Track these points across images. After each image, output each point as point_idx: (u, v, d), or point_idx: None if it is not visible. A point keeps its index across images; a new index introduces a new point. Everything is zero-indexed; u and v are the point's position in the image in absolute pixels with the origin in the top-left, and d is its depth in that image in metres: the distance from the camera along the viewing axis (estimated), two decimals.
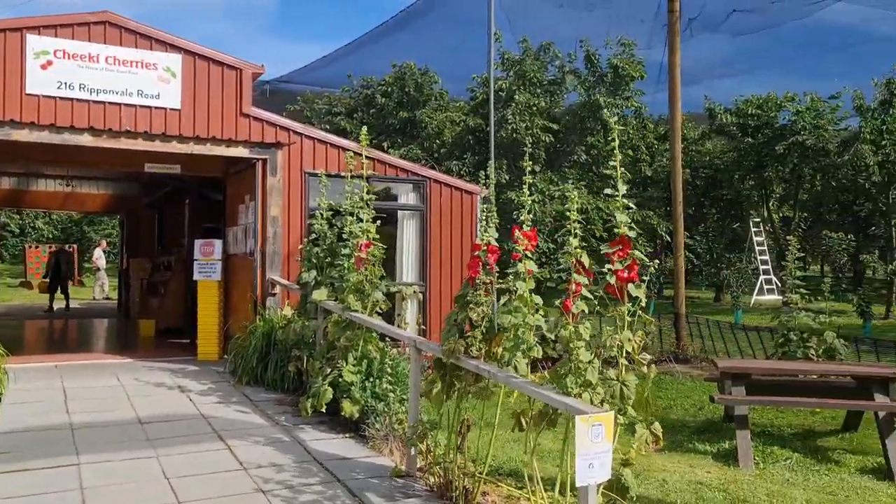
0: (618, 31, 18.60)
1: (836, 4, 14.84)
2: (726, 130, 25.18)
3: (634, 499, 4.77)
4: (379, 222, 7.49)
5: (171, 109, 9.74)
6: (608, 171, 5.02)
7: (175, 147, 9.70)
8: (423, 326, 10.63)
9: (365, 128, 7.92)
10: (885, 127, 20.59)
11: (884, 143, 20.55)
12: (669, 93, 13.79)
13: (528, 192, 5.30)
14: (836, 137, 23.04)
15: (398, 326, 9.78)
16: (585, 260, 4.74)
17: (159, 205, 16.58)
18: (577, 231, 4.72)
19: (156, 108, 9.67)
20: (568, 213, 4.70)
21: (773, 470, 6.70)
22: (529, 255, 5.12)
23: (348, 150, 9.79)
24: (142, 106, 9.57)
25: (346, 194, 7.81)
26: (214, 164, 11.17)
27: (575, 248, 4.67)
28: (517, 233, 5.06)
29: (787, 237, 11.36)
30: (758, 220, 26.78)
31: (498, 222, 5.63)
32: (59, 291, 19.43)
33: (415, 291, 11.28)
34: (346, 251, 7.52)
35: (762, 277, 24.82)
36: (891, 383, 7.07)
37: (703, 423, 8.54)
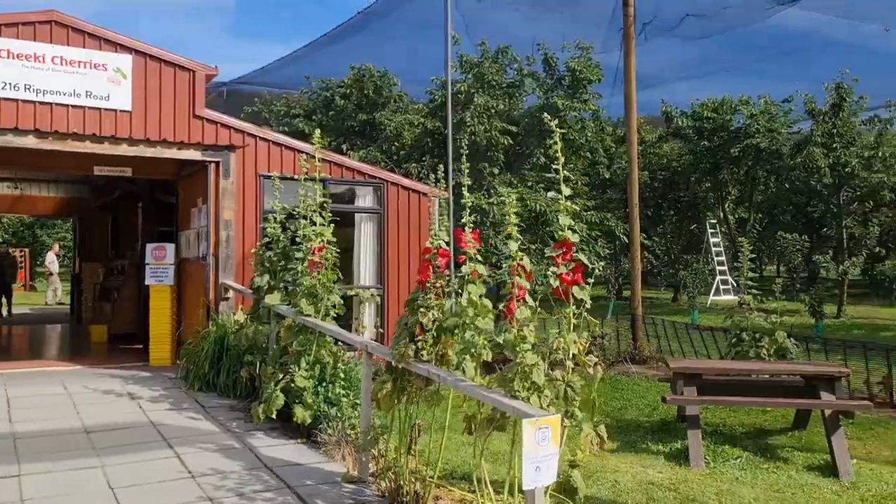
0: (574, 35, 18.74)
1: (788, 10, 15.15)
2: (683, 133, 25.53)
3: (583, 500, 4.79)
4: (333, 225, 7.43)
5: (122, 111, 9.56)
6: (549, 175, 5.07)
7: (125, 149, 9.52)
8: (380, 330, 10.58)
9: (318, 130, 7.86)
10: (835, 130, 21.04)
11: (834, 145, 21.00)
12: (625, 96, 13.93)
13: (467, 194, 5.31)
14: (788, 140, 23.48)
15: (355, 330, 9.70)
16: (527, 263, 4.76)
17: (112, 208, 16.28)
18: (517, 235, 4.74)
19: (105, 109, 9.48)
20: (507, 217, 4.71)
21: (724, 469, 6.78)
22: (480, 258, 5.12)
23: (304, 152, 9.71)
24: (90, 107, 9.37)
25: (300, 197, 7.74)
26: (167, 166, 10.99)
27: (515, 251, 4.67)
28: (467, 235, 5.06)
29: (740, 238, 11.54)
30: (714, 221, 27.21)
31: (450, 226, 5.63)
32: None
33: (372, 294, 11.19)
34: (300, 255, 7.45)
35: (718, 278, 25.22)
36: (836, 382, 7.21)
37: (657, 423, 8.62)
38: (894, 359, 9.61)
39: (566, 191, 4.82)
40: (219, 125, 10.17)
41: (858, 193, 23.22)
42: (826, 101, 21.41)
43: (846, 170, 21.17)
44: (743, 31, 17.00)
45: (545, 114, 5.93)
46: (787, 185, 25.13)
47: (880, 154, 21.84)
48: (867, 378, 9.66)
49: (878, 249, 26.66)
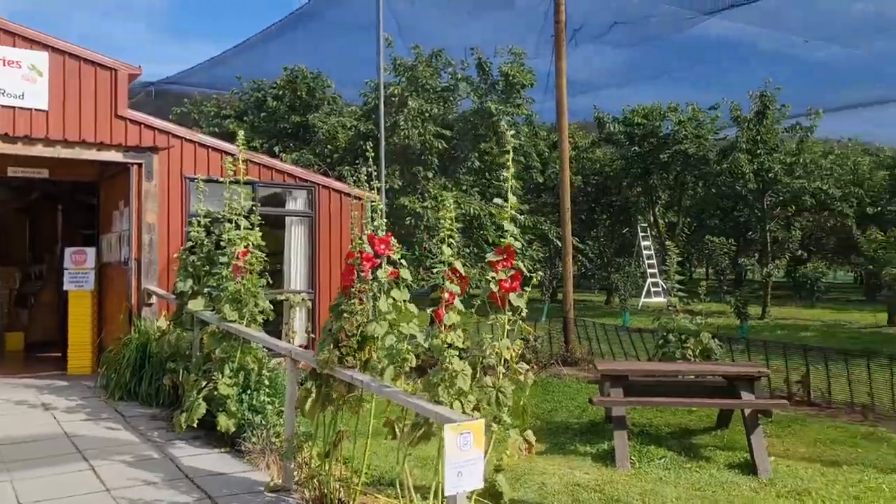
0: (506, 41, 18.88)
1: (712, 20, 15.58)
2: (614, 139, 26.01)
3: (508, 503, 4.78)
4: (258, 229, 7.28)
5: (37, 110, 9.20)
6: (498, 182, 5.06)
7: (40, 150, 9.14)
8: (312, 335, 10.43)
9: (242, 132, 7.70)
10: (759, 137, 21.75)
11: (759, 152, 21.70)
12: (557, 102, 14.08)
13: (381, 197, 5.26)
14: (715, 146, 24.15)
15: (286, 335, 9.56)
16: (460, 267, 4.73)
17: (30, 210, 15.62)
18: (450, 239, 4.70)
19: (20, 108, 9.12)
20: (442, 221, 4.67)
21: (649, 469, 6.88)
22: (405, 262, 5.07)
23: (233, 154, 9.51)
24: (2, 106, 9.00)
25: (225, 200, 7.57)
26: (88, 168, 10.63)
27: (448, 256, 4.64)
28: (386, 238, 5.00)
29: (668, 242, 11.82)
30: (645, 225, 27.77)
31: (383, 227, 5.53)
32: None
33: (303, 299, 11.04)
34: (224, 259, 7.28)
35: (649, 280, 25.75)
36: (755, 382, 7.41)
37: (586, 424, 8.70)
38: (812, 358, 9.95)
39: (512, 199, 4.82)
40: (142, 126, 9.88)
41: (781, 198, 24.02)
42: (751, 109, 22.12)
43: (769, 175, 21.90)
44: (670, 39, 17.42)
45: (497, 118, 5.92)
46: (713, 190, 25.82)
47: (801, 160, 22.69)
48: (787, 377, 9.98)
49: (800, 252, 27.65)
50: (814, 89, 22.34)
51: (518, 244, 4.76)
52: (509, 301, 4.73)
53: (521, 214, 17.98)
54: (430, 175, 17.83)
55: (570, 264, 14.46)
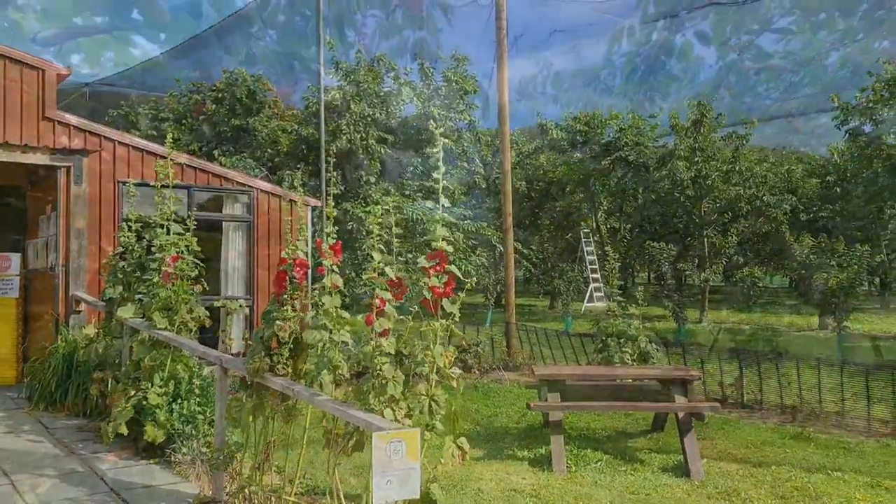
0: (451, 46, 18.98)
1: (653, 29, 15.90)
2: (557, 145, 26.30)
3: None
4: (191, 234, 7.11)
5: None
6: (428, 184, 5.02)
7: None
8: (249, 342, 10.21)
9: (170, 134, 7.53)
10: (696, 145, 22.25)
11: (696, 159, 22.19)
12: (499, 108, 14.16)
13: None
14: (655, 154, 24.61)
15: (223, 342, 9.38)
16: (390, 273, 4.68)
17: None
18: (379, 246, 4.65)
19: None
20: (370, 227, 4.61)
21: (584, 473, 6.92)
22: (336, 269, 5.00)
23: (167, 157, 9.31)
24: None
25: (157, 205, 7.38)
26: (14, 171, 10.24)
27: (377, 263, 4.59)
28: (323, 246, 4.92)
29: (606, 247, 11.99)
30: (587, 230, 28.12)
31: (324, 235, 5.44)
32: None
33: (241, 305, 10.83)
34: (154, 265, 7.09)
35: (592, 285, 26.07)
36: (688, 385, 7.53)
37: (524, 429, 8.73)
38: (746, 361, 10.18)
39: (444, 201, 4.78)
40: (72, 128, 9.58)
41: (718, 205, 24.58)
42: (688, 118, 22.61)
43: (707, 182, 22.41)
44: (611, 47, 17.72)
45: (431, 120, 5.89)
46: (654, 197, 26.29)
47: (737, 168, 23.26)
48: (721, 380, 10.19)
49: (736, 258, 28.30)
50: (750, 99, 22.99)
51: (450, 248, 4.72)
52: (442, 307, 4.69)
53: (464, 220, 18.03)
54: (372, 180, 17.74)
55: (512, 271, 14.54)
